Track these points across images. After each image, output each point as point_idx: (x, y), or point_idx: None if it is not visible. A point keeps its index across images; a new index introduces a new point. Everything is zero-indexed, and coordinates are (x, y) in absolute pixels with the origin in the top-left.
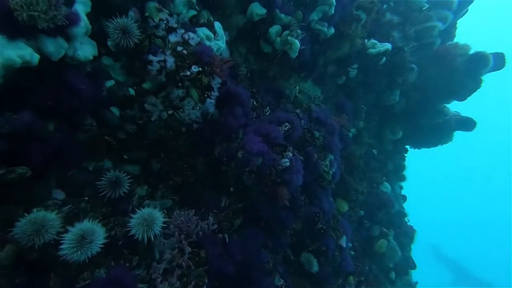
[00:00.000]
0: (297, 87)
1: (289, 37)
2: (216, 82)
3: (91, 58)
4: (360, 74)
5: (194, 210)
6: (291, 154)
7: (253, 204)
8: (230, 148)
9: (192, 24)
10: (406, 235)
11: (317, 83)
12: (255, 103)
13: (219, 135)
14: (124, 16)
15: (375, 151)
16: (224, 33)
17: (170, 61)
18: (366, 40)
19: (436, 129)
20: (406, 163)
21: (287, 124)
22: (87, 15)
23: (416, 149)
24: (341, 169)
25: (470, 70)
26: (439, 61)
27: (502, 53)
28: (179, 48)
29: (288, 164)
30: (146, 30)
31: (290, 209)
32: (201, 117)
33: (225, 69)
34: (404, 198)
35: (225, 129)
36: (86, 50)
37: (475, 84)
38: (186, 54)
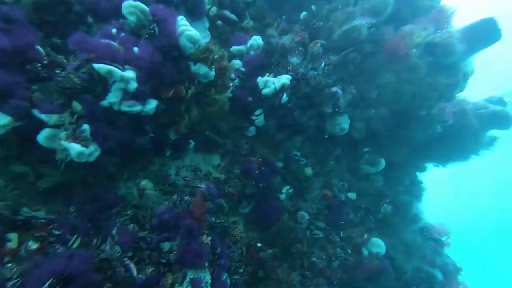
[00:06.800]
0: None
1: None
2: None
3: None
4: (272, 119)
5: None
6: None
7: None
8: None
9: None
10: None
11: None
12: None
13: None
14: None
15: (352, 196)
16: None
17: None
18: (259, 78)
19: (447, 139)
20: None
21: None
22: None
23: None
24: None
25: (433, 62)
26: (390, 61)
27: (492, 18)
28: None
29: None
30: None
31: None
32: None
33: None
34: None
35: None
36: None
37: (452, 78)
38: None
